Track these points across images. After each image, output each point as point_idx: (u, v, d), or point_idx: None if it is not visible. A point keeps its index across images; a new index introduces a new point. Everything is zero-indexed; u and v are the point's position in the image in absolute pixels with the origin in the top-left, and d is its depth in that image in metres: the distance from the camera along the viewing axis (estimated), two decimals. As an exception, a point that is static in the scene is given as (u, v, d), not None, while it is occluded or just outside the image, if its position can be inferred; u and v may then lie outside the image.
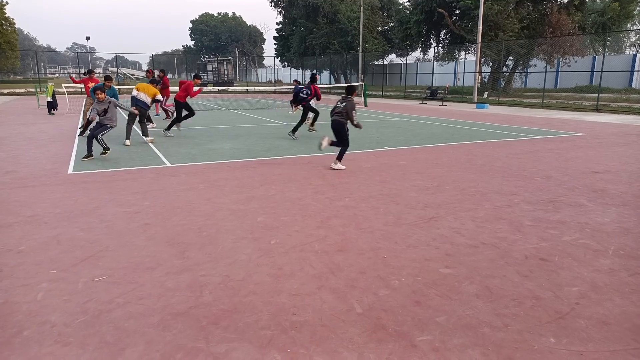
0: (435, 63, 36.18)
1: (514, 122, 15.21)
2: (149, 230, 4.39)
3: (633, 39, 62.86)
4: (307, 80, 14.71)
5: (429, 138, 11.23)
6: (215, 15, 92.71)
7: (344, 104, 7.70)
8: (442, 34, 36.03)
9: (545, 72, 26.25)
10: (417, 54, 39.91)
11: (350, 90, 7.94)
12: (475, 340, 2.57)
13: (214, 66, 52.91)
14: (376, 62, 44.95)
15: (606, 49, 42.14)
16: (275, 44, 57.00)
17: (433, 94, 26.93)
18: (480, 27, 25.34)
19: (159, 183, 6.39)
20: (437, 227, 4.55)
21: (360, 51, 38.38)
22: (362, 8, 38.10)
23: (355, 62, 41.37)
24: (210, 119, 16.05)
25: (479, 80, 28.47)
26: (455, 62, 38.48)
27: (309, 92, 11.72)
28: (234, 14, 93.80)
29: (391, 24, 45.13)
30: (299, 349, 2.47)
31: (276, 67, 61.26)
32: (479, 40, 25.71)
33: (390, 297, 3.09)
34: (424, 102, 26.37)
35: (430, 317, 2.82)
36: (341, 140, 7.67)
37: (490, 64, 32.53)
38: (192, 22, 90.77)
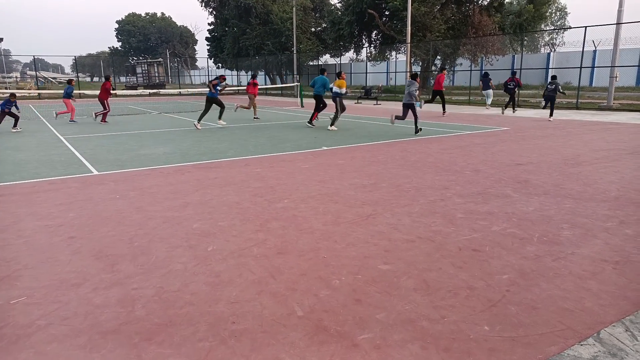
0: (368, 63, 36.97)
1: (444, 118, 15.86)
2: (74, 244, 4.09)
3: (547, 38, 67.89)
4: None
5: (365, 137, 11.43)
6: (143, 15, 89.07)
7: (555, 84, 14.35)
8: (373, 35, 36.90)
9: (471, 70, 27.66)
10: (351, 54, 40.66)
11: (555, 77, 14.61)
12: (414, 334, 2.61)
13: (143, 68, 50.78)
14: (311, 63, 45.20)
15: (524, 48, 45.09)
16: (207, 45, 55.71)
17: (367, 93, 27.53)
18: (409, 28, 26.22)
19: (85, 193, 5.99)
20: (375, 224, 4.61)
21: (295, 52, 38.43)
22: (294, 9, 38.19)
23: (290, 63, 41.38)
24: (142, 123, 15.38)
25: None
26: (387, 62, 39.56)
27: (514, 83, 17.09)
28: (162, 14, 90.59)
29: (324, 25, 45.57)
30: (239, 359, 2.39)
31: (210, 68, 59.92)
32: (409, 40, 26.60)
33: (331, 297, 3.08)
34: (359, 101, 26.89)
35: (371, 314, 2.84)
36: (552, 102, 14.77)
37: (420, 63, 33.77)
38: (117, 22, 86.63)
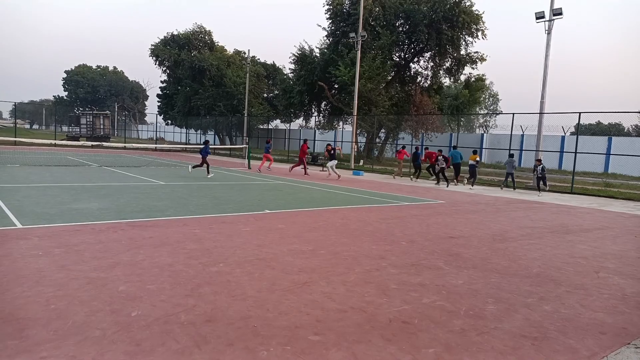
0: (317, 131, 38.21)
1: (385, 189, 16.44)
2: (-20, 305, 3.75)
3: (481, 120, 73.62)
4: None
5: (308, 202, 11.58)
6: (94, 67, 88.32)
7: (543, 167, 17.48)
8: (322, 105, 38.56)
9: (412, 145, 29.19)
10: (300, 121, 42.01)
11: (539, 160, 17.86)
12: (338, 410, 2.56)
13: (88, 119, 49.53)
14: (261, 126, 46.09)
15: (461, 128, 48.52)
16: (158, 101, 55.68)
17: (314, 159, 28.19)
18: (356, 102, 27.68)
19: (4, 248, 5.58)
20: (309, 292, 4.59)
21: (246, 115, 39.16)
22: (247, 75, 39.40)
23: (241, 125, 41.99)
24: (78, 176, 14.77)
25: (356, 149, 30.65)
26: (335, 131, 41.08)
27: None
28: (115, 68, 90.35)
29: (276, 92, 47.14)
30: None
31: (159, 124, 59.40)
32: (355, 112, 27.98)
33: (257, 369, 2.98)
34: (306, 167, 27.38)
35: (296, 388, 2.77)
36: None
37: (365, 134, 35.38)
38: (66, 72, 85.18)
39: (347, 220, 9.09)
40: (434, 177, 20.39)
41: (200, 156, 17.63)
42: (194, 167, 17.85)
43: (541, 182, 17.75)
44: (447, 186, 18.39)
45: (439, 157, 19.55)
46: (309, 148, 23.04)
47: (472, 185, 19.22)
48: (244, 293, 4.45)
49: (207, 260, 5.53)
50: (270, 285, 4.75)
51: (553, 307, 4.59)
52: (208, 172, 17.36)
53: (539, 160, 17.88)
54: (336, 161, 20.88)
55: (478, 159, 19.68)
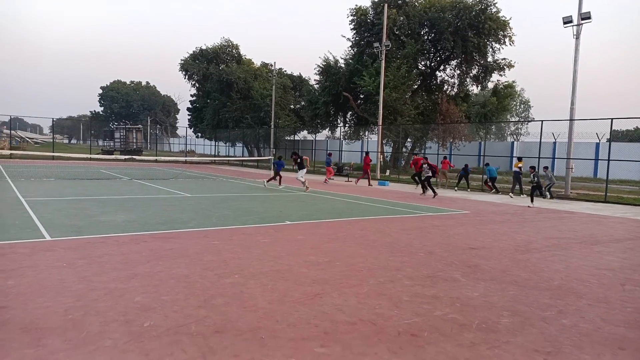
0: (343, 141, 38.27)
1: (409, 199, 16.28)
2: (3, 315, 3.93)
3: (513, 128, 72.09)
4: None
5: (329, 213, 11.60)
6: (128, 83, 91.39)
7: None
8: (348, 115, 38.63)
9: (438, 154, 28.84)
10: (327, 132, 42.17)
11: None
12: (334, 423, 2.57)
13: (122, 133, 51.26)
14: (288, 138, 46.52)
15: (491, 137, 47.56)
16: (189, 114, 57.09)
17: (340, 170, 28.23)
18: (381, 111, 27.61)
19: (32, 259, 5.84)
20: (320, 303, 4.61)
21: (272, 127, 39.64)
22: (274, 87, 39.94)
23: (268, 136, 42.48)
24: (109, 189, 15.27)
25: (381, 159, 30.52)
26: (362, 141, 41.06)
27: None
28: (147, 83, 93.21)
29: (302, 103, 47.58)
30: None
31: (189, 137, 60.85)
32: (380, 122, 27.90)
33: (259, 381, 3.02)
34: (331, 177, 27.44)
35: (296, 400, 2.79)
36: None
37: (391, 144, 35.17)
38: (102, 88, 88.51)
39: (366, 231, 9.05)
40: (418, 184, 19.30)
41: (274, 170, 18.90)
42: (270, 181, 19.24)
43: (538, 191, 16.31)
44: (434, 196, 16.87)
45: (423, 165, 17.79)
46: (371, 160, 24.15)
47: (521, 194, 19.42)
48: (255, 304, 4.51)
49: (222, 272, 5.62)
50: (282, 296, 4.79)
51: (571, 320, 4.45)
52: (280, 183, 18.44)
53: (533, 168, 17.10)
54: (305, 170, 18.19)
55: (521, 165, 19.96)
